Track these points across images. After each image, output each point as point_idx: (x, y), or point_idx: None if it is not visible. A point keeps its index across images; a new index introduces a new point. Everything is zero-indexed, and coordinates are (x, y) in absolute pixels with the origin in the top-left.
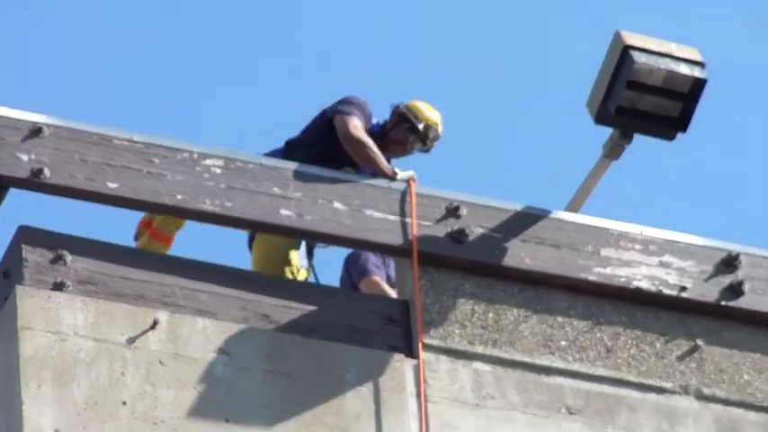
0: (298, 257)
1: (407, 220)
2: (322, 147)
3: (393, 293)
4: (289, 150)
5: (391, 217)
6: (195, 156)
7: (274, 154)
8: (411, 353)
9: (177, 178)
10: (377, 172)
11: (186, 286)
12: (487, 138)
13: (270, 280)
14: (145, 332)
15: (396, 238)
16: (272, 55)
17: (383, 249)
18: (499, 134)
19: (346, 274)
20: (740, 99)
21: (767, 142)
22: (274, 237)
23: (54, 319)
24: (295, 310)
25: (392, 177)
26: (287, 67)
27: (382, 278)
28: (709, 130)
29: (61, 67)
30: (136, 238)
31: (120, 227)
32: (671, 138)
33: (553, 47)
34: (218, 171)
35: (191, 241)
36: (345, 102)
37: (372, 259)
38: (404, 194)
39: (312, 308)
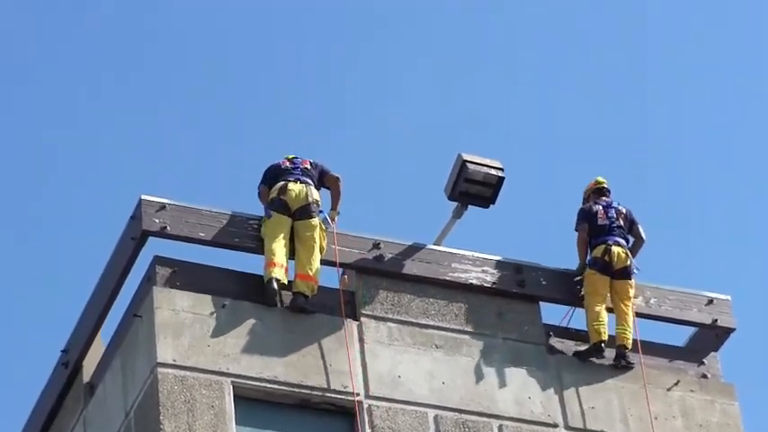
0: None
1: (354, 251)
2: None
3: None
4: None
5: (345, 249)
6: (239, 219)
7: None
8: (356, 318)
9: (232, 230)
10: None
11: (240, 285)
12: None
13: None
14: (219, 309)
15: (347, 260)
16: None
17: (344, 266)
18: (423, 206)
19: None
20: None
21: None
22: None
23: (172, 302)
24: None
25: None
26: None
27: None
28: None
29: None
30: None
31: (206, 255)
32: (486, 207)
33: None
34: (254, 226)
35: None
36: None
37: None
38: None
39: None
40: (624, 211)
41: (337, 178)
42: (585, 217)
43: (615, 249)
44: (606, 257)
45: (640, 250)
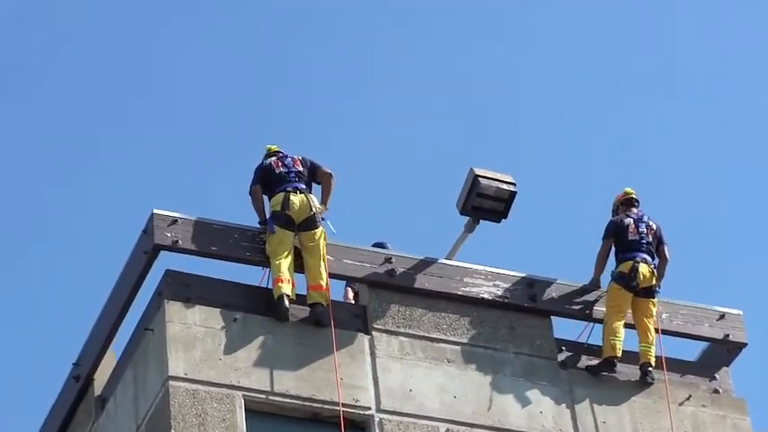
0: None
1: (366, 265)
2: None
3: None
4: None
5: (357, 263)
6: (251, 233)
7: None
8: (367, 332)
9: (243, 244)
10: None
11: (251, 299)
12: (419, 219)
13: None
14: (230, 323)
15: (359, 274)
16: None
17: (355, 280)
18: (429, 219)
19: None
20: None
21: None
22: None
23: (183, 316)
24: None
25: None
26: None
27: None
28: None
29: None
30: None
31: (217, 269)
32: (498, 221)
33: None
34: (261, 240)
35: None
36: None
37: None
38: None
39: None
40: (654, 227)
41: (330, 175)
42: (615, 230)
43: (642, 268)
44: (632, 275)
45: (666, 270)
